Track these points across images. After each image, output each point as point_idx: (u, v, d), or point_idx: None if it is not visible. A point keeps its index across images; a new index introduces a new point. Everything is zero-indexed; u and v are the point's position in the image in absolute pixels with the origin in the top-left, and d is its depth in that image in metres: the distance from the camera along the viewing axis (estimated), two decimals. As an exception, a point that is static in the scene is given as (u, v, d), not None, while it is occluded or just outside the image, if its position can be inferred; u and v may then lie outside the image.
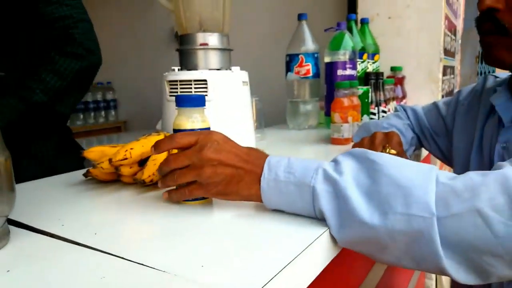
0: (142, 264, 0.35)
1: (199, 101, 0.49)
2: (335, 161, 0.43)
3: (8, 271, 0.36)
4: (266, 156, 0.45)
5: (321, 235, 0.40)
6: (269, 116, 1.17)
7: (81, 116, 2.45)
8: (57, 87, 0.81)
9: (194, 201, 0.50)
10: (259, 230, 0.42)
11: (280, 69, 1.43)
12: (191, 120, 0.48)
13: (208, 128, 0.49)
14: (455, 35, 1.72)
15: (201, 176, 0.44)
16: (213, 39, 0.69)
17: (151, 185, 0.60)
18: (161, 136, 0.64)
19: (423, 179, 0.38)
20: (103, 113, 2.54)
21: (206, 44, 0.68)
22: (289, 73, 1.22)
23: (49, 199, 0.57)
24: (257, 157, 0.45)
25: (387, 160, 0.40)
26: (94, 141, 1.71)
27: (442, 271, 0.37)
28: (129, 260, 0.36)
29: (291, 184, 0.42)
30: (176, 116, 0.49)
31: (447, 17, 1.41)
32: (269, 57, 1.70)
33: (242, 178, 0.44)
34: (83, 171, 0.68)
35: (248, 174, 0.44)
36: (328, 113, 1.18)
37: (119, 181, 0.62)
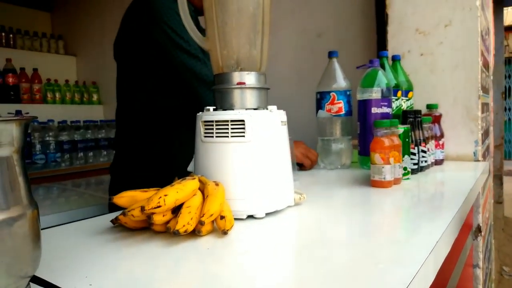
0: None
1: None
2: None
3: None
4: None
5: None
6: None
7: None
8: None
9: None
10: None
11: (308, 107, 1.39)
12: None
13: None
14: (488, 71, 1.66)
15: None
16: (250, 78, 0.66)
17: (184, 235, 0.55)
18: (196, 181, 0.59)
19: None
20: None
21: (243, 83, 0.65)
22: (320, 110, 1.17)
23: (74, 250, 0.53)
24: None
25: None
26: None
27: None
28: None
29: None
30: None
31: (482, 54, 1.36)
32: (297, 95, 1.67)
33: None
34: (110, 215, 0.63)
35: None
36: (362, 152, 1.13)
37: (149, 229, 0.57)
